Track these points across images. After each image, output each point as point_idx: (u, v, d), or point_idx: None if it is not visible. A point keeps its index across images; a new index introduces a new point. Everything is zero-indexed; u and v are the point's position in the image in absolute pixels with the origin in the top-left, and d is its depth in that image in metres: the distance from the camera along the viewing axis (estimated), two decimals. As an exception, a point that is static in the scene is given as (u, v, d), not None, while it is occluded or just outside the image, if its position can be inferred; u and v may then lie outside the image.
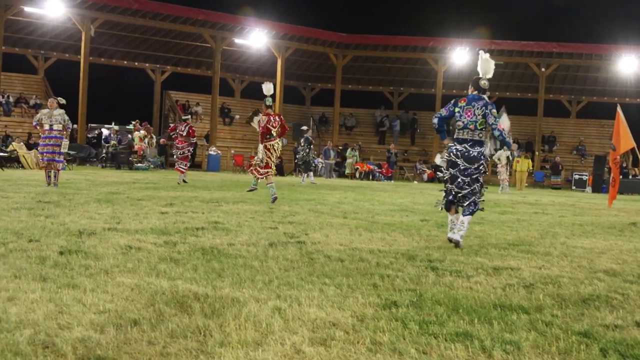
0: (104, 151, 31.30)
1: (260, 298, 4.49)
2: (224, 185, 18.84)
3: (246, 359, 3.32)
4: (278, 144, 13.65)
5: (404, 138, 43.95)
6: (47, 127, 15.60)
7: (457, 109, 8.10)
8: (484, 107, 7.82)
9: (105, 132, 35.67)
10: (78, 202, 10.90)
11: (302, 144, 24.97)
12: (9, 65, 35.74)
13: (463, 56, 39.77)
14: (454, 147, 8.02)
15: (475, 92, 8.10)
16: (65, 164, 17.28)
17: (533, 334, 3.91)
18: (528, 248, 7.64)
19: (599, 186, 33.42)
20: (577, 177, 35.70)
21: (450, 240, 7.62)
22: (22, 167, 25.34)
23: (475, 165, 7.84)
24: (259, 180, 13.96)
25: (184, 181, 18.69)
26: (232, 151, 37.20)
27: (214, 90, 37.73)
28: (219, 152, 35.90)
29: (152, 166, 30.65)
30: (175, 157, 19.91)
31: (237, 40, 38.65)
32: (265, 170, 13.38)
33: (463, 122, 7.99)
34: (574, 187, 35.13)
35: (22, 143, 27.57)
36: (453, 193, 7.98)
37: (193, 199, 12.80)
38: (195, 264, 5.59)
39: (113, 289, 4.55)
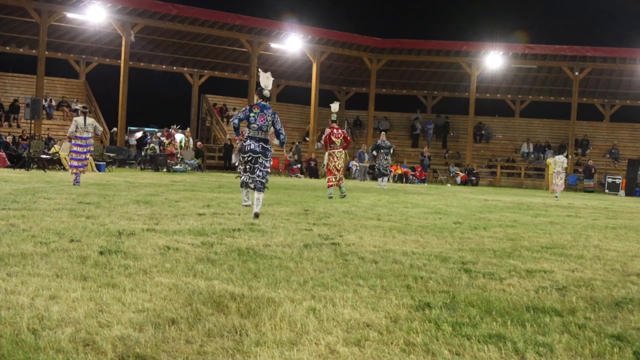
0: (143, 153, 31.58)
1: (295, 298, 4.49)
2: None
3: (281, 358, 3.33)
4: (341, 152, 16.44)
5: (438, 142, 43.75)
6: (85, 135, 16.36)
7: (252, 115, 10.16)
8: (272, 115, 10.21)
9: (137, 134, 36.07)
10: (117, 203, 11.00)
11: (377, 149, 24.84)
12: (52, 70, 36.24)
13: (496, 60, 39.50)
14: (251, 143, 10.12)
15: (261, 101, 10.34)
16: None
17: (566, 337, 3.86)
18: (561, 251, 7.56)
19: (633, 189, 32.95)
20: (610, 180, 35.22)
21: (256, 215, 9.57)
22: (64, 169, 25.61)
23: (268, 158, 10.18)
24: (336, 187, 16.21)
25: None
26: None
27: (250, 94, 37.81)
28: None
29: (189, 168, 30.82)
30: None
31: (273, 45, 38.79)
32: (333, 176, 16.08)
33: (258, 124, 10.11)
34: (607, 191, 34.66)
35: (63, 146, 27.84)
36: (250, 176, 10.16)
37: (229, 200, 12.86)
38: (231, 265, 5.61)
39: (151, 289, 4.58)
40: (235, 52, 40.88)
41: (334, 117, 17.01)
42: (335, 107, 17.10)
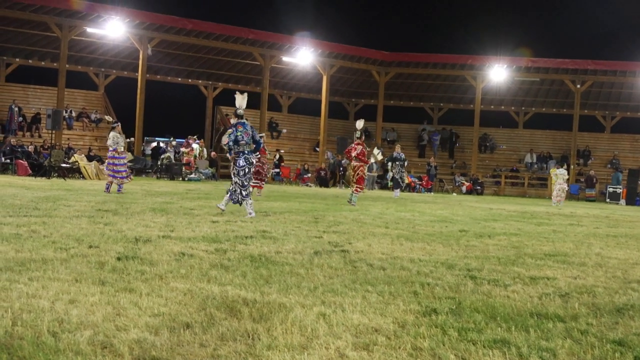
0: (159, 163, 31.65)
1: (305, 304, 4.49)
2: (271, 196, 18.91)
3: (292, 361, 3.33)
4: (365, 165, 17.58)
5: (443, 152, 43.69)
6: (121, 149, 17.11)
7: (238, 133, 11.38)
8: (251, 128, 11.57)
9: (153, 144, 36.17)
10: (134, 211, 11.04)
11: (393, 161, 24.80)
12: (72, 82, 36.41)
13: (501, 73, 39.43)
14: (247, 157, 11.39)
15: (238, 119, 11.56)
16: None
17: (569, 342, 3.85)
18: (564, 258, 7.53)
19: (633, 199, 32.79)
20: (611, 190, 35.07)
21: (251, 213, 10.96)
22: (83, 177, 25.73)
23: (252, 168, 11.55)
24: (356, 195, 16.88)
25: (258, 194, 18.60)
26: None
27: (262, 106, 37.90)
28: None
29: (203, 177, 30.88)
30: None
31: (284, 58, 38.81)
32: (359, 186, 17.06)
33: (245, 140, 11.38)
34: (608, 200, 34.51)
35: (83, 155, 27.99)
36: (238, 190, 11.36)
37: (242, 209, 12.87)
38: (244, 271, 5.62)
39: (167, 294, 4.59)
40: (248, 65, 40.97)
41: (357, 134, 17.50)
42: (360, 124, 17.59)
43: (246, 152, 11.43)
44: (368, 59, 41.01)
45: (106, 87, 39.22)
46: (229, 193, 11.51)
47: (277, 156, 36.78)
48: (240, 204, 11.47)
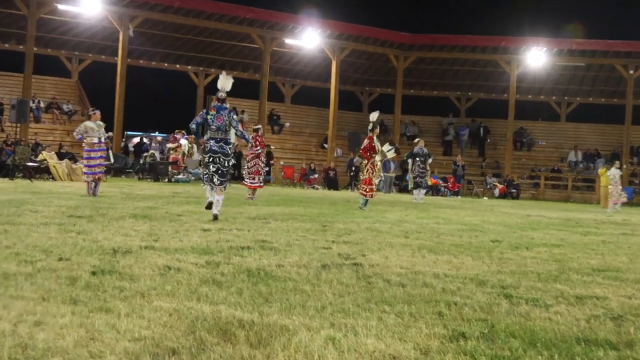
0: (142, 161, 31.68)
1: (312, 326, 4.47)
2: (272, 200, 18.90)
3: (296, 395, 3.30)
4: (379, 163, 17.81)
5: (472, 149, 43.65)
6: (95, 140, 17.27)
7: (209, 117, 11.76)
8: (229, 115, 11.75)
9: (137, 140, 36.29)
10: (112, 217, 11.03)
11: (413, 158, 24.72)
12: (41, 68, 36.49)
13: (539, 57, 39.37)
14: (212, 143, 11.72)
15: (218, 103, 11.89)
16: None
17: (623, 373, 3.80)
18: (616, 274, 7.48)
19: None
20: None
21: (215, 217, 11.37)
22: (52, 178, 25.71)
23: (228, 157, 11.77)
24: (364, 198, 17.30)
25: (250, 198, 18.59)
26: (281, 162, 37.40)
27: (262, 96, 37.97)
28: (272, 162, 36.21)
29: (193, 179, 30.93)
30: (245, 172, 19.72)
31: (287, 41, 38.86)
32: (369, 187, 17.27)
33: (216, 125, 11.70)
34: (667, 205, 34.42)
35: (52, 152, 27.99)
36: (212, 177, 11.69)
37: (238, 215, 12.86)
38: (240, 287, 5.60)
39: (150, 314, 4.57)
40: (245, 48, 41.07)
41: (370, 126, 17.66)
42: (374, 115, 17.81)
43: (221, 138, 11.76)
44: (385, 42, 41.02)
45: (80, 74, 39.37)
46: (206, 180, 11.90)
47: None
48: (222, 188, 11.71)
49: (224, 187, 11.80)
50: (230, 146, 11.96)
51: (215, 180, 11.67)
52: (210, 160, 11.79)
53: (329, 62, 40.20)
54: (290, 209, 15.41)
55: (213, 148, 11.75)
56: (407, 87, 44.03)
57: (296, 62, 43.24)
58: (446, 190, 35.26)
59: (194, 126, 12.26)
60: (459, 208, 20.88)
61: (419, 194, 24.25)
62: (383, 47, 41.12)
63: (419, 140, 25.94)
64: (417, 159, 24.39)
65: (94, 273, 5.87)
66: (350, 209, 17.10)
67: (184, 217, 11.69)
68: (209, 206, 11.60)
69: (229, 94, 12.14)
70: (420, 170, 24.36)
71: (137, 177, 30.95)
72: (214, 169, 11.73)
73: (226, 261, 6.94)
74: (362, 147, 17.75)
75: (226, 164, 11.81)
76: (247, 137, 12.86)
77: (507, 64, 40.55)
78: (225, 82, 12.10)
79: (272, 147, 38.11)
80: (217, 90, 12.16)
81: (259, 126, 21.09)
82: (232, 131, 12.12)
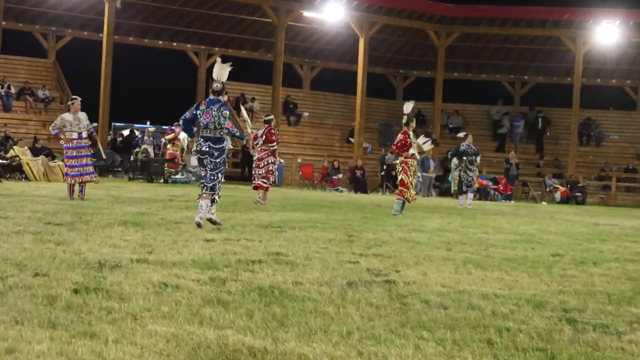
0: (133, 158, 31.73)
1: (335, 355, 4.49)
2: (287, 205, 18.93)
3: None
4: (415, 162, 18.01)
5: (528, 144, 43.43)
6: (74, 135, 17.18)
7: (198, 112, 12.06)
8: (218, 110, 11.87)
9: (127, 133, 36.38)
10: (98, 224, 11.09)
11: (459, 156, 24.63)
12: (11, 46, 36.55)
13: (611, 32, 39.01)
14: (201, 143, 12.01)
15: (213, 96, 12.10)
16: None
17: None
18: (702, 295, 7.45)
19: None
20: None
21: (198, 224, 11.47)
22: (26, 178, 25.82)
23: (217, 159, 11.95)
24: (398, 202, 17.38)
25: (259, 202, 18.58)
26: (299, 160, 37.31)
27: (275, 80, 37.91)
28: (282, 160, 36.07)
29: (193, 179, 30.98)
30: (254, 171, 19.62)
31: (306, 14, 38.75)
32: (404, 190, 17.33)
33: (204, 122, 11.94)
34: None
35: (26, 148, 28.05)
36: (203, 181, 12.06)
37: (248, 222, 12.89)
38: (250, 309, 5.62)
39: (143, 340, 4.60)
40: (255, 23, 41.02)
41: (404, 119, 17.84)
42: (408, 107, 17.94)
43: (210, 137, 11.98)
44: (422, 14, 40.88)
45: (58, 53, 39.28)
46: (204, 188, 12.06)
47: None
48: (212, 196, 11.94)
49: (214, 195, 11.93)
50: (222, 146, 12.13)
51: (204, 187, 11.97)
52: (199, 162, 12.28)
53: (355, 39, 40.07)
54: (310, 216, 15.44)
55: (201, 149, 12.04)
56: (450, 70, 43.85)
57: (316, 39, 43.18)
58: (496, 193, 35.12)
59: (180, 121, 12.86)
60: (512, 215, 20.82)
61: (468, 199, 24.11)
62: (421, 21, 40.98)
63: (466, 135, 25.45)
64: (465, 157, 24.20)
65: (76, 291, 5.91)
66: (382, 215, 17.10)
67: (183, 225, 11.73)
68: (199, 224, 11.66)
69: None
70: (469, 171, 24.19)
71: (127, 177, 31.05)
72: (203, 173, 12.13)
73: (233, 277, 6.97)
74: (395, 144, 17.80)
75: (215, 167, 11.96)
76: (237, 133, 12.80)
77: (572, 41, 40.31)
78: (221, 71, 12.27)
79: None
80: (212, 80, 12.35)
81: (271, 116, 20.66)
82: (246, 117, 12.17)
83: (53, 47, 39.14)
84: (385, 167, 34.70)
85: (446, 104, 43.45)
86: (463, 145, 24.43)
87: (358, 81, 39.64)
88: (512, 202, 33.62)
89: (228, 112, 12.12)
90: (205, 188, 11.86)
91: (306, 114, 42.10)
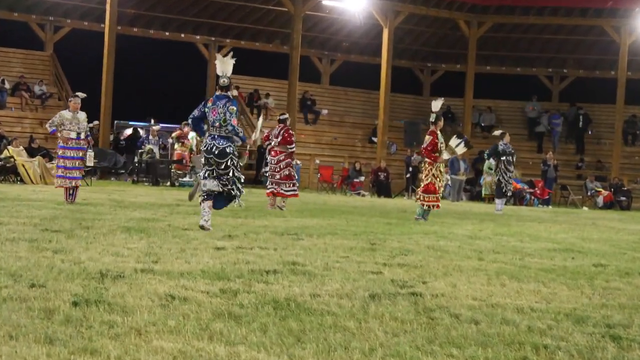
0: (137, 159, 31.79)
1: (357, 374, 4.48)
2: (305, 210, 18.94)
3: None
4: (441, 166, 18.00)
5: (568, 144, 43.28)
6: (73, 135, 17.35)
7: (206, 109, 12.46)
8: (224, 105, 12.26)
9: (127, 132, 36.39)
10: (99, 231, 11.11)
11: (499, 156, 24.51)
12: (5, 38, 36.76)
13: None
14: (207, 142, 12.37)
15: (220, 92, 12.57)
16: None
17: None
18: None
19: None
20: None
21: (202, 227, 11.99)
22: (21, 180, 25.87)
23: (224, 159, 12.21)
24: (422, 207, 17.59)
25: (278, 207, 18.58)
26: (317, 161, 37.32)
27: (292, 74, 37.91)
28: (299, 162, 36.08)
29: (202, 182, 31.01)
30: (269, 176, 19.47)
31: (325, 2, 38.81)
32: (434, 196, 17.48)
33: (210, 120, 12.38)
34: None
35: (21, 148, 28.08)
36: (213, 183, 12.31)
37: (262, 229, 12.90)
38: (264, 323, 5.63)
39: (148, 357, 4.61)
40: (270, 12, 41.10)
41: (432, 117, 17.96)
42: (437, 104, 18.05)
43: (216, 135, 12.36)
44: (452, 3, 40.93)
45: (56, 45, 39.41)
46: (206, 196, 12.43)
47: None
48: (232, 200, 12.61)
49: (234, 198, 12.59)
50: (230, 145, 12.38)
51: (223, 191, 12.40)
52: (206, 163, 12.51)
53: (379, 30, 40.13)
54: (329, 222, 15.44)
55: (208, 148, 12.36)
56: (482, 63, 43.84)
57: (336, 30, 43.21)
58: (533, 197, 35.04)
59: (189, 120, 13.24)
60: (550, 221, 20.76)
61: (499, 205, 24.01)
62: (450, 9, 41.02)
63: (503, 133, 25.21)
64: (504, 158, 24.02)
65: (75, 304, 5.91)
66: (407, 221, 17.09)
67: (192, 232, 11.75)
68: (203, 227, 12.10)
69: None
70: (508, 173, 24.05)
71: (131, 180, 31.12)
72: (218, 177, 12.39)
73: (246, 289, 6.97)
74: (424, 147, 17.74)
75: (222, 168, 12.29)
76: (240, 134, 12.80)
77: (616, 31, 40.20)
78: (224, 66, 12.73)
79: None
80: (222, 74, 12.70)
81: (286, 115, 20.28)
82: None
83: (50, 39, 39.24)
84: (411, 168, 34.64)
85: (478, 100, 43.42)
86: (501, 145, 24.23)
87: (382, 75, 39.64)
88: (550, 207, 33.52)
89: (235, 108, 12.47)
90: (225, 193, 12.36)
91: (325, 111, 42.14)
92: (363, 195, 33.60)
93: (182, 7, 40.15)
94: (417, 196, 17.97)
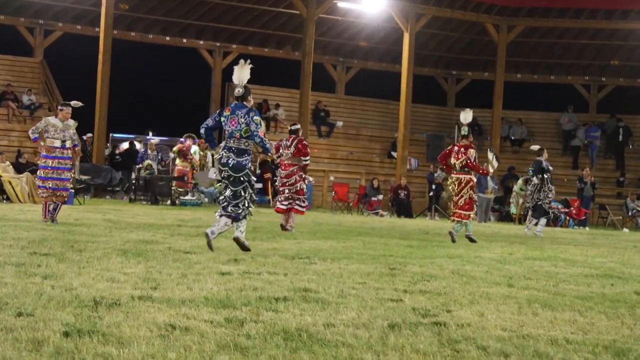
0: (134, 176, 31.83)
1: (375, 412, 4.48)
2: (318, 231, 18.95)
3: None
4: (463, 178, 18.23)
5: (607, 159, 43.19)
6: (57, 143, 17.24)
7: (222, 118, 12.58)
8: (246, 115, 12.30)
9: (124, 145, 36.46)
10: (93, 255, 11.12)
11: (543, 173, 24.51)
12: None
13: None
14: (222, 155, 12.49)
15: (237, 101, 12.62)
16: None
17: None
18: None
19: None
20: None
21: (205, 234, 12.34)
22: (8, 199, 25.94)
23: (240, 174, 12.42)
24: (460, 222, 18.21)
25: (286, 228, 18.45)
26: (331, 178, 37.32)
27: (304, 83, 37.94)
28: (311, 178, 36.03)
29: (206, 200, 31.06)
30: (278, 190, 19.37)
31: (340, 4, 38.84)
32: (466, 213, 18.06)
33: (228, 130, 12.45)
34: None
35: (7, 163, 28.16)
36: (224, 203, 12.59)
37: (271, 252, 12.91)
38: (273, 355, 5.64)
39: (146, 392, 4.62)
40: (280, 15, 41.18)
41: (464, 130, 18.30)
42: (467, 116, 18.57)
43: (233, 147, 12.49)
44: (479, 4, 40.91)
45: (47, 51, 39.56)
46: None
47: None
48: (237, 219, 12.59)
49: (239, 219, 12.54)
50: (247, 159, 12.59)
51: (224, 206, 12.60)
52: (221, 176, 12.82)
53: (399, 34, 40.18)
54: (344, 244, 15.44)
55: (223, 160, 12.52)
56: (512, 70, 43.89)
57: (352, 35, 43.26)
58: (568, 218, 35.00)
59: (202, 130, 13.16)
60: (587, 244, 20.74)
61: (538, 225, 23.99)
62: (477, 12, 41.02)
63: (541, 149, 25.18)
64: (546, 175, 24.02)
65: (66, 334, 5.92)
66: (430, 244, 17.08)
67: (194, 256, 11.75)
68: (207, 234, 12.39)
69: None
70: (548, 190, 24.08)
71: (128, 198, 31.17)
72: (224, 190, 12.92)
73: (254, 318, 6.98)
74: (472, 161, 18.06)
75: (237, 183, 12.50)
76: (267, 145, 13.04)
77: (659, 36, 40.27)
78: (242, 74, 12.81)
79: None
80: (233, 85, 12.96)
81: (298, 126, 20.35)
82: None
83: (40, 44, 39.34)
84: (434, 186, 34.66)
85: (507, 111, 43.39)
86: (544, 161, 24.20)
87: (402, 84, 39.63)
88: (587, 228, 33.51)
89: (259, 119, 12.54)
90: (227, 208, 12.45)
91: (340, 123, 42.19)
92: (381, 216, 33.58)
93: (184, 10, 40.22)
94: (457, 214, 18.26)
